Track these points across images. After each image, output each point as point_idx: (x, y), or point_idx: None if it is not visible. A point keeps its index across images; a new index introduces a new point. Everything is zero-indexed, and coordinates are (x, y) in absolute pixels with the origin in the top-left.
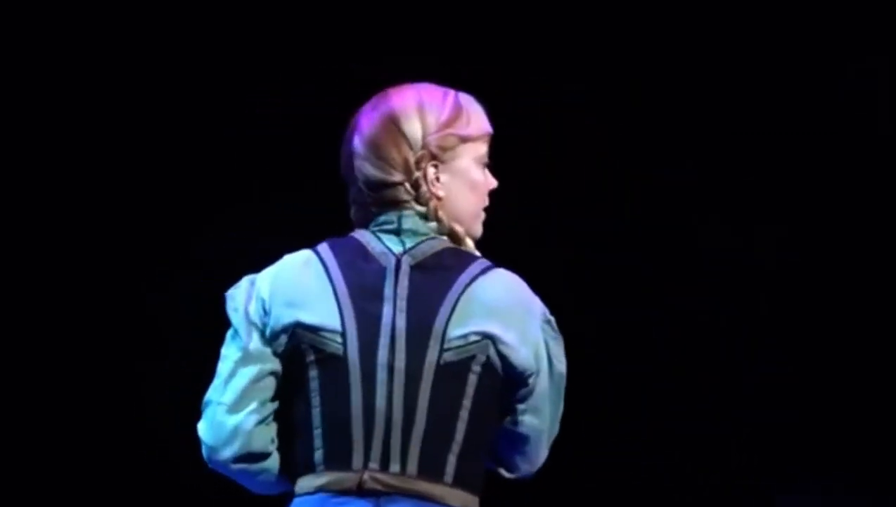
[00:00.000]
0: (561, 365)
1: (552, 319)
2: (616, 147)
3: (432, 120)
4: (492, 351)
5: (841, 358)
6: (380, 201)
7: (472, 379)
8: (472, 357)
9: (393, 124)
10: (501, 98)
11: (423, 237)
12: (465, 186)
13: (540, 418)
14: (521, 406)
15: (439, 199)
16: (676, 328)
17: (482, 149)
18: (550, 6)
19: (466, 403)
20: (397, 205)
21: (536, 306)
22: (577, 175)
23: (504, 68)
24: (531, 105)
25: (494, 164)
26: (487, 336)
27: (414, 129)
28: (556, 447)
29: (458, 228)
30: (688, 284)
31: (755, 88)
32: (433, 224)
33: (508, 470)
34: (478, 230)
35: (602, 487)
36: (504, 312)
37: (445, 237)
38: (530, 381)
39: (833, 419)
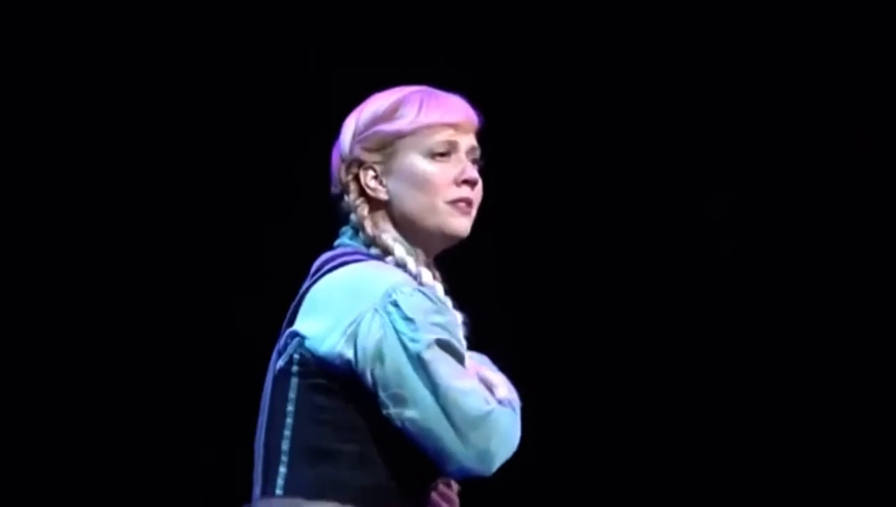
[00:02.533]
0: (416, 344)
1: (401, 298)
2: (617, 148)
3: (361, 124)
4: (303, 349)
5: (841, 358)
6: (340, 219)
7: (294, 382)
8: (290, 359)
9: (337, 139)
10: (501, 98)
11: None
12: (409, 184)
13: (410, 407)
14: (380, 401)
15: (381, 204)
16: (676, 328)
17: (429, 141)
18: (550, 6)
19: (290, 408)
20: (346, 219)
21: (375, 290)
22: (577, 175)
23: (504, 68)
24: (531, 105)
25: (492, 165)
26: (296, 335)
27: (346, 138)
28: (556, 447)
29: (384, 238)
30: (688, 283)
31: (756, 89)
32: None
33: (443, 472)
34: (449, 226)
35: (602, 487)
36: (320, 305)
37: (372, 247)
38: (359, 370)
39: (833, 419)
